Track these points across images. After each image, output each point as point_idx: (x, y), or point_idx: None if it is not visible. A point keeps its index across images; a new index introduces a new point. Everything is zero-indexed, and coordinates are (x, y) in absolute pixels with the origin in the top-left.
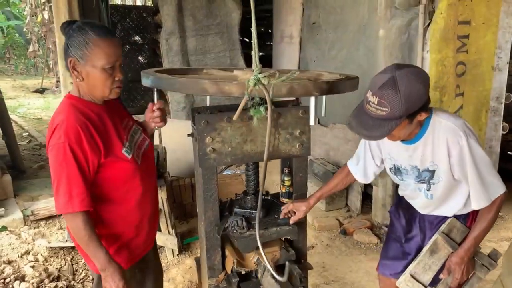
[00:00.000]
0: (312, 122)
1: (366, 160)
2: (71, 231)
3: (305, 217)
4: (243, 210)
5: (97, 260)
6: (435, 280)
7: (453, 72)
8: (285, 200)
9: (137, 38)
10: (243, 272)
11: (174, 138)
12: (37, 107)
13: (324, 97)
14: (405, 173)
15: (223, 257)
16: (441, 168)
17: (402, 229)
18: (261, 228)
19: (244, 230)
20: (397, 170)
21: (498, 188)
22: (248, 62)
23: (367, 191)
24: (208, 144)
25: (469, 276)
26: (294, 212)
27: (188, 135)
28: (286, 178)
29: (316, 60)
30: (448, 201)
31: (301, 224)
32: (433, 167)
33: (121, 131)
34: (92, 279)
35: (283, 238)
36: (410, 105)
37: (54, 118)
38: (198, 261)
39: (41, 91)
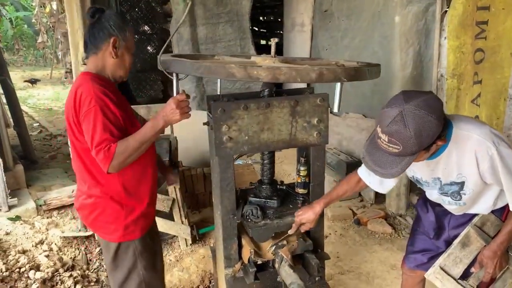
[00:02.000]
0: (336, 109)
1: None
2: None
3: None
4: (258, 199)
5: (154, 126)
6: (466, 274)
7: (471, 59)
8: (300, 190)
9: (146, 28)
10: (259, 262)
11: (185, 128)
12: (46, 97)
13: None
14: (426, 185)
15: (240, 246)
16: (471, 179)
17: (430, 225)
18: (277, 218)
19: (259, 219)
20: (416, 181)
21: None
22: (259, 51)
23: None
24: (224, 132)
25: (502, 271)
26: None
27: (204, 123)
28: (302, 168)
29: (328, 49)
30: (480, 202)
31: None
32: (461, 179)
33: (129, 107)
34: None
35: None
36: (422, 140)
37: (76, 90)
38: (213, 250)
39: (33, 81)
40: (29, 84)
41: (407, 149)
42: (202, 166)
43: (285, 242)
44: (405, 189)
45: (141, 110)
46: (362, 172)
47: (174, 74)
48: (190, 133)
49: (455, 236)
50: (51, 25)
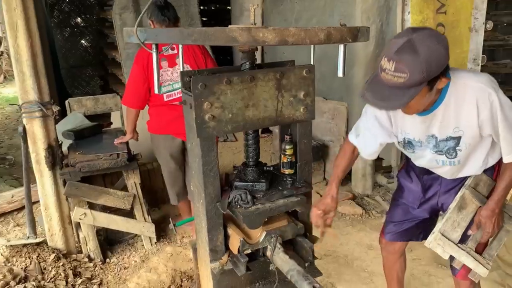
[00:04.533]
0: (341, 73)
1: (375, 135)
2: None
3: (311, 186)
4: (245, 183)
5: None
6: (464, 238)
7: None
8: (286, 171)
9: (79, 20)
10: (247, 252)
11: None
12: None
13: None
14: (419, 145)
15: (225, 237)
16: (468, 132)
17: (415, 195)
18: (267, 201)
19: (250, 204)
20: (407, 143)
21: None
22: None
23: None
24: (206, 110)
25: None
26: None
27: (180, 103)
28: (287, 147)
29: None
30: (473, 160)
31: (307, 194)
32: (458, 133)
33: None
34: (65, 276)
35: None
36: (431, 69)
37: None
38: (194, 245)
39: None
40: None
41: (414, 76)
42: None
43: (276, 225)
44: (370, 169)
45: (87, 102)
46: (353, 138)
47: (154, 49)
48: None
49: (444, 204)
50: None
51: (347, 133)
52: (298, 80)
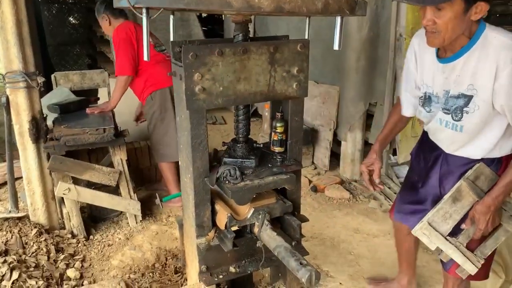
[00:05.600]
0: (337, 46)
1: (407, 84)
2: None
3: (301, 164)
4: (234, 159)
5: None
6: (456, 231)
7: None
8: (276, 149)
9: None
10: (234, 228)
11: (122, 101)
12: None
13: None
14: (436, 101)
15: (212, 213)
16: (481, 94)
17: (420, 172)
18: (256, 178)
19: (238, 180)
20: (427, 99)
21: None
22: None
23: (332, 149)
24: (197, 82)
25: (495, 228)
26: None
27: (169, 74)
28: (278, 124)
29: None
30: (479, 138)
31: (297, 172)
32: (471, 91)
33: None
34: (47, 251)
35: (279, 188)
36: None
37: None
38: (180, 221)
39: None
40: None
41: None
42: (145, 139)
43: (264, 202)
44: (359, 154)
45: (74, 76)
46: (400, 91)
47: (144, 12)
48: (127, 107)
49: (444, 188)
50: None
51: (337, 117)
52: (292, 54)
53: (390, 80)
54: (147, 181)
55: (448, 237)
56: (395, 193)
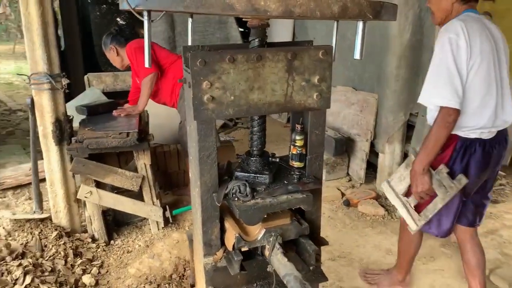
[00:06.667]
0: (358, 55)
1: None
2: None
3: (321, 183)
4: (246, 174)
5: None
6: (410, 192)
7: None
8: (295, 164)
9: None
10: (245, 249)
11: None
12: (8, 71)
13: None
14: None
15: (222, 231)
16: None
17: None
18: (269, 196)
19: (248, 197)
20: None
21: (437, 98)
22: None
23: (369, 160)
24: (205, 91)
25: (429, 194)
26: None
27: (180, 80)
28: (298, 138)
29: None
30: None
31: (316, 191)
32: None
33: None
34: (65, 255)
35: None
36: None
37: None
38: (190, 235)
39: None
40: None
41: None
42: (175, 143)
43: (277, 223)
44: (397, 167)
45: (106, 78)
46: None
47: (145, 16)
48: (162, 107)
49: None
50: None
51: (375, 127)
52: (313, 62)
53: None
54: (175, 186)
55: (400, 196)
56: None
